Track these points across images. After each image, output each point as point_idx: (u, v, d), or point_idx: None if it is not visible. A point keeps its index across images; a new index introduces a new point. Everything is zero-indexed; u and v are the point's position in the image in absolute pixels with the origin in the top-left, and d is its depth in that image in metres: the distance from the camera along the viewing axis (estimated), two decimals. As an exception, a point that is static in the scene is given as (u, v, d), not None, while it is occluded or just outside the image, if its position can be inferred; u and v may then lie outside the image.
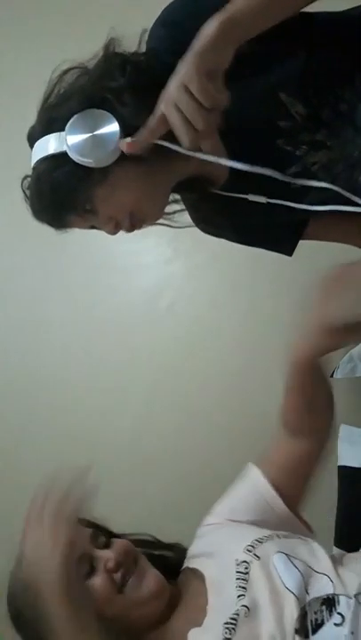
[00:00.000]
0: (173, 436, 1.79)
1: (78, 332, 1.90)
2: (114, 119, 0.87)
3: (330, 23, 0.96)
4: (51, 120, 0.92)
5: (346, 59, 0.92)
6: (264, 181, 0.95)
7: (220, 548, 0.95)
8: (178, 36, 0.87)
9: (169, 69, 0.84)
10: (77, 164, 0.88)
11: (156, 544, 1.04)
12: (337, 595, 0.79)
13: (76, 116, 0.88)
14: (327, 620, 0.76)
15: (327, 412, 1.06)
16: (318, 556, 0.88)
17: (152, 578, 0.89)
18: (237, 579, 0.83)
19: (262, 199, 1.01)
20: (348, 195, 0.96)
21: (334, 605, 0.78)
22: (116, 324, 1.87)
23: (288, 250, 1.19)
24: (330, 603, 0.78)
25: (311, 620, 0.77)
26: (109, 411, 1.85)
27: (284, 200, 1.00)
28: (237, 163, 0.90)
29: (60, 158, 0.89)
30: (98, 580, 0.86)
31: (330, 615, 0.77)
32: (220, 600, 0.83)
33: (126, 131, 0.87)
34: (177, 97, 0.82)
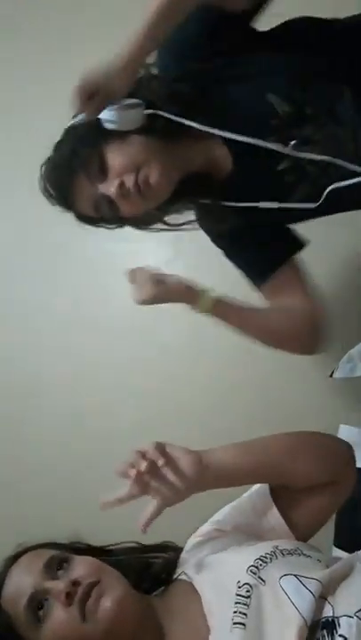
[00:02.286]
0: (174, 436, 1.79)
1: (78, 333, 1.90)
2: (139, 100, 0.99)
3: (313, 27, 1.06)
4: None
5: (328, 60, 0.99)
6: (259, 176, 1.04)
7: (218, 564, 0.89)
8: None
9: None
10: (102, 127, 0.98)
11: (143, 549, 0.99)
12: (337, 617, 0.75)
13: None
14: None
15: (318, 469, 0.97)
16: (323, 574, 0.83)
17: (110, 598, 0.81)
18: (236, 602, 0.78)
19: (274, 204, 1.07)
20: (347, 165, 1.02)
21: (335, 628, 0.74)
22: (116, 325, 1.87)
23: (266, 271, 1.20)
24: (331, 626, 0.75)
25: None
26: (108, 412, 1.85)
27: (276, 193, 1.06)
28: (242, 136, 1.00)
29: (87, 124, 0.99)
30: (57, 617, 0.81)
31: (332, 639, 0.74)
32: (220, 630, 0.78)
33: (147, 105, 0.99)
34: None
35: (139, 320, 1.86)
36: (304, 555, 0.88)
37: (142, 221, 1.13)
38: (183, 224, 1.16)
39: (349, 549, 0.98)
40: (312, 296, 1.21)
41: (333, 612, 0.76)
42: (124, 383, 1.86)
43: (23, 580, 0.86)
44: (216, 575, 0.86)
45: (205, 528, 1.00)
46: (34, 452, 1.88)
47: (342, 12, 1.11)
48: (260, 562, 0.82)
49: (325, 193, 1.04)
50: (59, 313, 1.92)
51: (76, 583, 0.82)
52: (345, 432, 1.51)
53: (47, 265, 1.92)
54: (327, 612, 0.77)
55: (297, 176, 1.05)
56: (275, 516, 0.97)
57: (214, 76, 1.02)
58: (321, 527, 1.01)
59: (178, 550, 0.99)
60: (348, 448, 1.02)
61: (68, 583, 0.81)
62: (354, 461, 1.01)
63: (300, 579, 0.79)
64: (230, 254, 1.22)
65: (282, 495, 0.98)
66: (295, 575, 0.80)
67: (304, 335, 1.19)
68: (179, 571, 0.94)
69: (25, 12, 1.97)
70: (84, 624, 0.80)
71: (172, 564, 0.96)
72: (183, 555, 0.98)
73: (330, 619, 0.76)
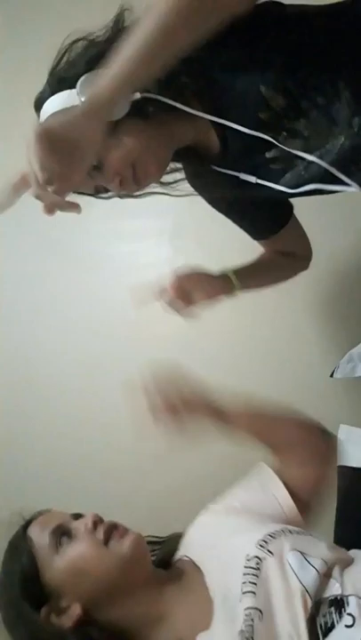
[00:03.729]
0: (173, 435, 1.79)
1: (78, 332, 1.90)
2: None
3: (307, 18, 1.00)
4: (61, 80, 0.95)
5: (324, 54, 0.96)
6: (248, 159, 1.05)
7: (226, 541, 0.92)
8: None
9: None
10: None
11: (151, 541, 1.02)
12: (345, 596, 0.77)
13: (86, 74, 0.91)
14: (337, 623, 0.74)
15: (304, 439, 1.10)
16: (328, 555, 0.86)
17: (134, 535, 0.89)
18: (245, 574, 0.80)
19: (252, 179, 1.07)
20: (331, 169, 1.01)
21: (344, 607, 0.76)
22: (116, 324, 1.86)
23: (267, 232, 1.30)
24: (339, 604, 0.76)
25: (321, 624, 0.74)
26: (108, 412, 1.84)
27: (264, 180, 1.06)
28: (235, 125, 0.98)
29: None
30: (80, 543, 0.88)
31: (340, 617, 0.74)
32: (227, 603, 0.80)
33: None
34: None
35: (139, 319, 1.86)
36: (312, 536, 0.91)
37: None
38: (177, 181, 1.17)
39: (349, 548, 0.98)
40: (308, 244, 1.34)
41: (342, 591, 0.78)
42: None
43: (51, 519, 0.94)
44: (221, 551, 0.90)
45: (215, 506, 1.04)
46: (34, 452, 1.88)
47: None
48: (269, 537, 0.86)
49: (305, 189, 1.04)
50: (58, 313, 1.92)
51: (101, 519, 0.90)
52: (345, 432, 1.51)
53: (47, 265, 1.92)
54: (335, 590, 0.79)
55: (284, 165, 1.05)
56: (279, 488, 1.02)
57: (206, 63, 0.99)
58: (317, 495, 1.06)
59: (179, 536, 1.03)
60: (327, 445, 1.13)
61: (94, 515, 0.91)
62: (331, 451, 1.18)
63: (306, 556, 0.82)
64: (228, 213, 1.27)
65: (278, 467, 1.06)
66: (301, 552, 0.83)
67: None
68: (181, 552, 0.98)
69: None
70: (105, 549, 0.87)
71: (174, 547, 1.00)
72: (190, 531, 1.02)
73: (338, 597, 0.77)
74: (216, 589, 0.84)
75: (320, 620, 0.75)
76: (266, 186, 1.08)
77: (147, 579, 0.89)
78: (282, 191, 1.07)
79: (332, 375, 1.59)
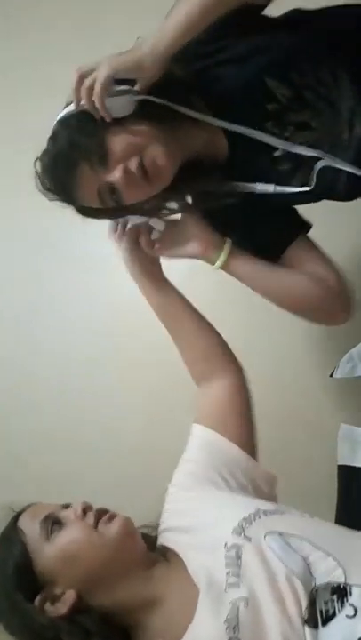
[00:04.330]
0: (173, 435, 1.79)
1: (78, 332, 1.90)
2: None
3: (312, 14, 1.04)
4: None
5: (326, 45, 0.98)
6: (255, 163, 1.05)
7: (202, 525, 0.92)
8: None
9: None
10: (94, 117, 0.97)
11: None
12: (349, 585, 0.74)
13: None
14: (338, 612, 0.72)
15: (210, 339, 1.17)
16: (320, 531, 0.85)
17: (122, 518, 0.90)
18: (227, 564, 0.80)
19: (270, 187, 1.06)
20: (336, 161, 1.02)
21: (346, 596, 0.73)
22: (116, 325, 1.86)
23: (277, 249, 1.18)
24: (341, 593, 0.74)
25: (321, 610, 0.72)
26: (109, 411, 1.85)
27: (274, 180, 1.05)
28: (239, 126, 1.00)
29: (80, 114, 0.98)
30: (70, 529, 0.89)
31: (341, 606, 0.72)
32: (211, 592, 0.79)
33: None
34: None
35: (139, 320, 1.86)
36: (286, 512, 0.91)
37: (143, 210, 1.10)
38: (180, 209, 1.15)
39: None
40: (331, 264, 1.17)
41: (346, 579, 0.75)
42: (125, 383, 1.85)
43: (41, 509, 0.94)
44: (198, 538, 0.90)
45: (173, 488, 1.05)
46: (34, 454, 1.88)
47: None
48: (244, 522, 0.85)
49: (315, 172, 1.03)
50: (58, 312, 1.92)
51: (90, 507, 0.92)
52: (345, 432, 1.51)
53: (47, 265, 1.92)
54: (338, 577, 0.76)
55: (293, 164, 1.05)
56: (216, 436, 1.06)
57: (210, 60, 1.01)
58: (249, 425, 1.10)
59: (153, 527, 1.03)
60: None
61: (84, 503, 0.92)
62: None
63: (287, 538, 0.81)
64: (239, 237, 1.16)
65: (202, 417, 1.11)
66: (280, 534, 0.82)
67: (328, 302, 1.14)
68: (161, 538, 0.98)
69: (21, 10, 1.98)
70: (95, 532, 0.88)
71: (154, 535, 1.01)
72: (163, 519, 1.02)
73: (342, 585, 0.75)
74: (200, 577, 0.83)
75: (320, 606, 0.73)
76: (282, 193, 1.06)
77: (138, 560, 0.89)
78: (300, 192, 1.05)
79: (331, 375, 1.59)
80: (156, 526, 1.02)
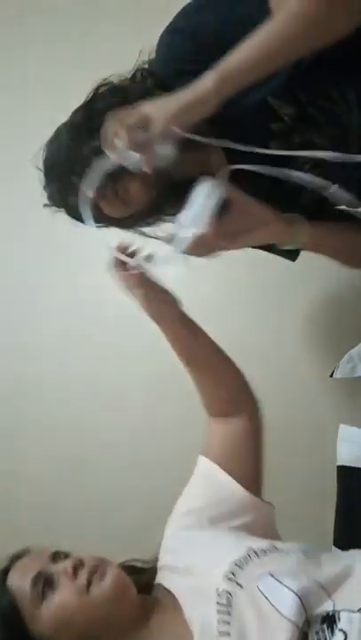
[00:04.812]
0: (173, 435, 1.79)
1: (78, 332, 1.90)
2: None
3: None
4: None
5: (331, 62, 0.95)
6: (261, 181, 1.01)
7: (195, 568, 0.91)
8: (188, 43, 0.95)
9: (175, 74, 0.94)
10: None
11: (135, 569, 1.01)
12: (337, 611, 0.76)
13: None
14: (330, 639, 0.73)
15: (234, 380, 1.12)
16: (310, 563, 0.85)
17: (114, 573, 0.88)
18: (219, 611, 0.79)
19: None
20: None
21: (335, 622, 0.74)
22: (116, 325, 1.86)
23: (292, 255, 1.19)
24: (330, 620, 0.75)
25: None
26: (109, 411, 1.85)
27: (277, 200, 1.02)
28: (244, 146, 0.95)
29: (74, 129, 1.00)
30: (62, 592, 0.86)
31: (332, 634, 0.73)
32: (205, 637, 0.79)
33: None
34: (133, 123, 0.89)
35: (138, 320, 1.86)
36: (278, 550, 0.89)
37: (126, 225, 1.11)
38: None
39: (349, 548, 0.98)
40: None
41: (334, 607, 0.76)
42: (124, 383, 1.85)
43: (30, 564, 0.91)
44: (192, 581, 0.89)
45: (172, 524, 1.03)
46: (34, 454, 1.88)
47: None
48: (236, 567, 0.84)
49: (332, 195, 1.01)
50: (58, 312, 1.92)
51: (81, 562, 0.89)
52: (345, 432, 1.51)
53: (46, 265, 1.92)
54: (327, 606, 0.77)
55: (296, 185, 1.03)
56: (220, 474, 1.03)
57: None
58: (257, 466, 1.07)
59: (152, 561, 1.02)
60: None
61: (74, 560, 0.89)
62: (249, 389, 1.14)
63: (278, 578, 0.80)
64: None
65: (210, 451, 1.07)
66: (272, 575, 0.81)
67: None
68: (159, 575, 0.97)
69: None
70: (87, 595, 0.85)
71: (153, 571, 0.99)
72: (161, 556, 1.00)
73: (330, 613, 0.76)
74: (194, 623, 0.83)
75: (313, 638, 0.74)
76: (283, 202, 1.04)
77: (133, 612, 0.89)
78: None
79: (332, 375, 1.59)
80: (153, 561, 1.02)
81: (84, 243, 1.76)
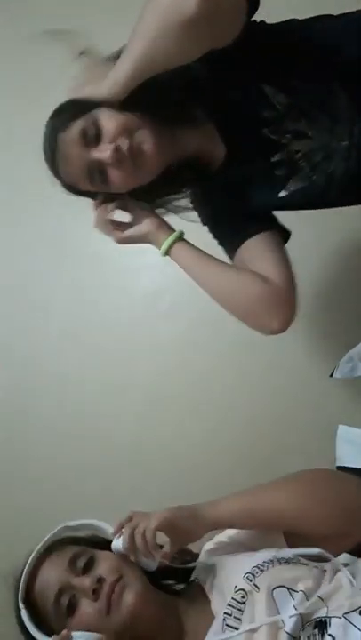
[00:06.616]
0: (173, 435, 1.80)
1: (78, 332, 1.90)
2: None
3: (306, 26, 1.04)
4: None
5: (322, 57, 0.99)
6: (253, 163, 1.05)
7: (222, 568, 0.95)
8: None
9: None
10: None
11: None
12: (329, 617, 0.79)
13: None
14: None
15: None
16: (321, 581, 0.87)
17: (132, 592, 0.89)
18: (229, 605, 0.83)
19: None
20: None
21: (326, 628, 0.77)
22: (116, 325, 1.87)
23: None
24: (322, 625, 0.78)
25: None
26: (109, 410, 1.85)
27: (266, 184, 1.06)
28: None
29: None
30: (84, 612, 0.88)
31: (322, 638, 0.77)
32: (215, 625, 0.83)
33: None
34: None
35: (139, 320, 1.86)
36: (301, 563, 0.91)
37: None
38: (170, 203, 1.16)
39: (355, 553, 0.98)
40: (285, 268, 1.08)
41: (327, 613, 0.80)
42: (124, 383, 1.86)
43: (51, 577, 0.93)
44: (219, 579, 0.92)
45: (219, 538, 1.06)
46: (34, 454, 1.89)
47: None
48: (257, 569, 0.87)
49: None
50: (59, 312, 1.92)
51: (100, 580, 0.89)
52: (344, 432, 1.51)
53: (46, 265, 1.93)
54: (322, 612, 0.80)
55: (288, 170, 1.05)
56: (282, 544, 0.99)
57: (210, 66, 1.00)
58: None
59: (195, 555, 1.05)
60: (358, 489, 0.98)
61: (93, 580, 0.89)
62: None
63: (290, 590, 0.83)
64: (211, 228, 1.19)
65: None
66: (286, 587, 0.84)
67: (266, 304, 1.07)
68: (195, 574, 1.00)
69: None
70: (108, 616, 0.87)
71: (189, 568, 1.02)
72: (199, 558, 1.04)
73: (323, 618, 0.79)
74: (218, 618, 0.86)
75: None
76: (261, 194, 1.08)
77: (156, 617, 0.90)
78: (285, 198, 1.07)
79: (332, 375, 1.59)
80: (196, 555, 1.04)
81: (84, 242, 1.79)
